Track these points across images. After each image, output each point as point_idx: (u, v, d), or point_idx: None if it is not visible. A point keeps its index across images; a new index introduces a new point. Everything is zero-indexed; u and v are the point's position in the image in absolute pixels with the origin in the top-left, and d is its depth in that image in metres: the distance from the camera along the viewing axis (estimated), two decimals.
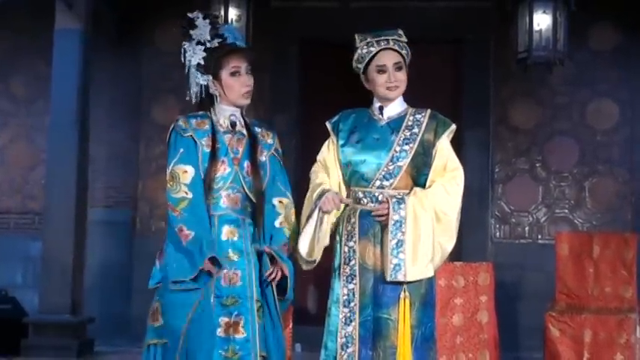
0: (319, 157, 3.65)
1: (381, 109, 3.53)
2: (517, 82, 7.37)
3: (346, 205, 3.51)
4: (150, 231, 7.43)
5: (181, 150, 3.40)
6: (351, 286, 3.40)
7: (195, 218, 3.30)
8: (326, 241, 3.49)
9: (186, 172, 3.36)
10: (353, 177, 3.50)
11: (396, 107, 3.53)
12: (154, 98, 7.72)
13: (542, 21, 6.73)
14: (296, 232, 3.49)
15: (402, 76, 3.50)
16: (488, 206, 7.28)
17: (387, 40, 3.51)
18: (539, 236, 7.36)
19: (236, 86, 3.49)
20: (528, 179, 7.43)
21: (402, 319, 3.32)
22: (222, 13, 6.93)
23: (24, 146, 7.71)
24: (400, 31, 3.55)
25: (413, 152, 3.43)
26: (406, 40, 3.53)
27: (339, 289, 3.42)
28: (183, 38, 3.56)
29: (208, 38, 3.50)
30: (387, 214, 3.34)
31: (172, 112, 7.58)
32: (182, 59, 3.56)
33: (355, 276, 3.39)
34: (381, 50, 3.49)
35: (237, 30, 3.66)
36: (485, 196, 7.28)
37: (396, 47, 3.50)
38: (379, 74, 3.49)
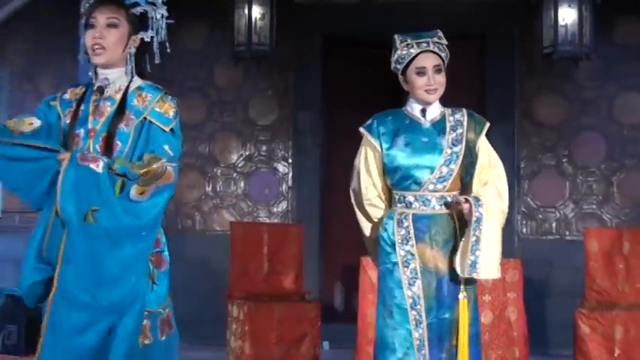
0: (361, 166, 3.56)
1: (423, 111, 3.49)
2: (542, 76, 7.33)
3: (390, 208, 3.49)
4: (177, 229, 7.46)
5: (35, 110, 3.00)
6: (414, 288, 3.36)
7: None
8: None
9: (32, 124, 2.94)
10: (403, 181, 3.45)
11: (435, 109, 3.50)
12: (179, 97, 7.71)
13: (567, 15, 6.69)
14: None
15: (441, 79, 3.46)
16: (515, 202, 7.24)
17: (428, 42, 3.47)
18: (567, 232, 7.32)
19: (87, 40, 2.94)
20: (555, 175, 7.38)
21: (463, 318, 3.33)
22: (247, 11, 6.95)
23: None
24: (440, 33, 3.51)
25: (462, 154, 3.41)
26: (446, 43, 3.50)
27: (403, 291, 3.37)
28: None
29: None
30: (470, 211, 3.33)
31: (198, 110, 7.64)
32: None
33: (417, 279, 3.37)
34: (421, 52, 3.45)
35: None
36: (511, 192, 7.19)
37: (436, 49, 3.46)
38: (418, 76, 3.44)
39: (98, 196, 2.76)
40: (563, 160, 7.41)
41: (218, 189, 7.68)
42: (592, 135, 7.35)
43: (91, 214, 2.75)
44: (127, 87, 2.97)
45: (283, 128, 7.68)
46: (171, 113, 2.93)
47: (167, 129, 2.91)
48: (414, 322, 3.34)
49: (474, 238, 3.31)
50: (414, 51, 3.45)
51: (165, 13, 3.08)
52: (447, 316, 3.35)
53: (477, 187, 3.45)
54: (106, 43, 2.93)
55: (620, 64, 7.33)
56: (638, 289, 5.67)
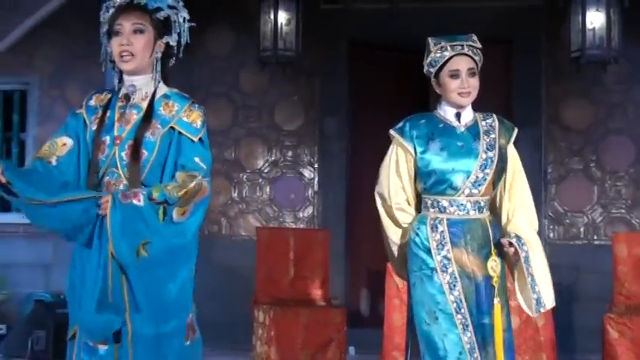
0: (391, 169, 3.50)
1: (458, 115, 3.47)
2: (569, 80, 7.28)
3: (419, 213, 3.47)
4: (203, 234, 7.47)
5: (62, 126, 3.02)
6: (455, 292, 3.34)
7: (33, 171, 2.90)
8: None
9: (65, 145, 2.97)
10: (437, 186, 3.42)
11: (469, 113, 3.49)
12: (204, 102, 7.76)
13: (595, 19, 6.64)
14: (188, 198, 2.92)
15: (474, 82, 3.43)
16: (542, 207, 7.20)
17: (462, 45, 3.44)
18: (595, 237, 7.26)
19: (114, 46, 2.94)
20: (583, 179, 7.33)
21: (497, 324, 3.33)
22: (273, 16, 6.97)
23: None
24: (474, 37, 3.49)
25: (496, 158, 3.40)
26: (480, 46, 3.47)
27: (445, 296, 3.34)
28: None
29: (119, 1, 3.01)
30: (516, 253, 3.37)
31: (224, 116, 7.67)
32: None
33: (457, 283, 3.35)
34: (455, 55, 3.43)
35: None
36: (538, 197, 7.19)
37: (470, 53, 3.44)
38: (452, 79, 3.42)
39: (146, 229, 2.80)
40: (591, 165, 7.35)
41: (244, 194, 7.70)
42: (620, 139, 7.29)
43: (142, 248, 2.80)
44: (154, 94, 2.97)
45: (309, 133, 7.69)
46: (199, 122, 2.95)
47: (195, 139, 2.93)
48: (461, 327, 3.31)
49: (529, 278, 3.35)
50: (447, 54, 3.43)
51: (187, 16, 3.09)
52: (485, 321, 3.34)
53: (505, 194, 3.45)
54: (134, 49, 2.94)
55: None
56: None
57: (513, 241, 3.36)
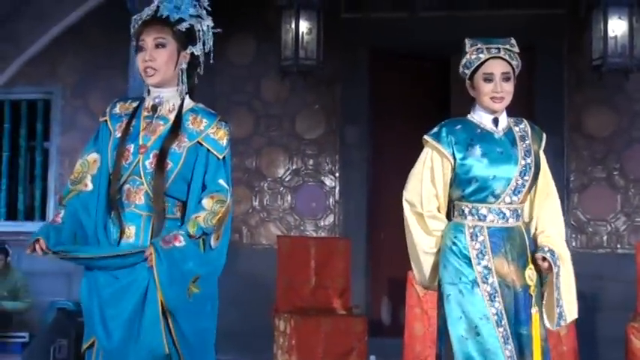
0: (424, 176, 3.39)
1: (495, 120, 3.38)
2: (591, 89, 7.24)
3: (453, 221, 3.38)
4: None
5: (93, 137, 3.07)
6: (496, 304, 3.25)
7: (74, 212, 2.95)
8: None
9: (96, 162, 3.01)
10: (478, 193, 3.33)
11: (504, 118, 3.40)
12: (226, 111, 7.81)
13: (617, 27, 6.61)
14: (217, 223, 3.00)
15: (508, 88, 3.34)
16: (564, 216, 7.12)
17: (498, 48, 3.35)
18: (619, 245, 7.20)
19: (138, 62, 2.98)
20: (605, 188, 7.28)
21: (535, 333, 3.25)
22: (294, 25, 6.98)
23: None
24: (513, 41, 3.39)
25: (534, 164, 3.33)
26: (517, 51, 3.38)
27: (486, 308, 3.25)
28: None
29: (149, 14, 3.03)
30: (550, 268, 3.30)
31: (245, 124, 7.69)
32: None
33: (497, 294, 3.26)
34: (490, 58, 3.34)
35: (186, 3, 3.05)
36: (561, 206, 7.14)
37: (507, 57, 3.34)
38: (485, 83, 3.33)
39: (193, 266, 2.85)
40: (614, 173, 7.30)
41: (265, 203, 7.71)
42: None
43: (193, 286, 2.85)
44: (181, 106, 3.01)
45: (330, 142, 7.69)
46: (225, 141, 2.99)
47: (220, 156, 2.97)
48: (502, 340, 3.22)
49: (556, 292, 3.29)
50: (483, 56, 3.34)
51: (211, 24, 3.10)
52: (523, 331, 3.25)
53: (535, 201, 3.39)
54: (157, 64, 2.97)
55: None
56: None
57: (547, 256, 3.28)
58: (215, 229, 2.90)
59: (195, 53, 3.05)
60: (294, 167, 7.72)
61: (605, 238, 7.23)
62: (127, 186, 2.94)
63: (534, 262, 3.31)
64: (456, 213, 3.37)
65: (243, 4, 7.64)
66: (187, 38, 3.03)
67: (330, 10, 7.22)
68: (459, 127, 3.38)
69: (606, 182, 7.29)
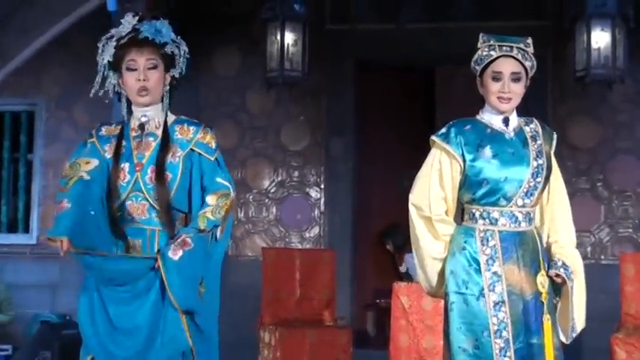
0: (432, 178, 3.27)
1: (506, 120, 3.25)
2: (575, 100, 7.28)
3: (462, 224, 3.27)
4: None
5: (81, 146, 3.22)
6: (500, 314, 3.13)
7: (80, 195, 3.02)
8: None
9: (89, 163, 3.12)
10: (489, 196, 3.19)
11: (515, 118, 3.28)
12: (211, 123, 7.77)
13: (600, 39, 6.65)
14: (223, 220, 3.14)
15: (517, 89, 3.21)
16: None
17: (511, 47, 3.23)
18: (602, 257, 7.22)
19: (130, 82, 3.12)
20: (589, 199, 7.31)
21: (548, 342, 3.14)
22: (279, 37, 6.99)
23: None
24: (529, 40, 3.29)
25: (546, 165, 3.22)
26: (532, 51, 3.27)
27: (488, 319, 3.13)
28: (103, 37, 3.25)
29: (123, 34, 3.17)
30: (564, 283, 3.22)
31: (230, 136, 7.68)
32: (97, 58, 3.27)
33: (504, 303, 3.13)
34: (501, 56, 3.22)
35: (167, 27, 3.20)
36: None
37: (519, 56, 3.22)
38: (494, 82, 3.21)
39: (201, 267, 2.98)
40: (598, 184, 7.33)
41: (250, 214, 7.70)
42: (627, 158, 7.28)
43: (201, 287, 2.98)
44: (165, 121, 3.16)
45: (315, 154, 7.69)
46: (214, 144, 3.15)
47: (212, 158, 3.13)
48: (498, 351, 3.10)
49: (571, 306, 3.20)
50: (494, 53, 3.22)
51: (186, 49, 3.26)
52: (534, 341, 3.13)
53: (547, 206, 3.29)
54: (150, 84, 3.11)
55: None
56: None
57: (561, 272, 3.18)
58: (222, 221, 3.02)
59: (175, 76, 3.22)
60: (279, 179, 7.72)
61: (589, 249, 7.25)
62: (129, 202, 3.08)
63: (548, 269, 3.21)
64: (466, 217, 3.26)
65: (229, 16, 7.64)
66: (170, 62, 3.20)
67: (315, 22, 7.23)
68: (468, 127, 3.26)
69: (590, 193, 7.32)
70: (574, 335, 3.25)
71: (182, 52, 3.23)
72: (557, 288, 3.24)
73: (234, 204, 3.12)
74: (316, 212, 7.63)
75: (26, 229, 8.02)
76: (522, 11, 7.36)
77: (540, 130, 3.28)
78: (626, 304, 5.71)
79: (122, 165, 3.08)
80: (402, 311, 5.38)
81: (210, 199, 3.05)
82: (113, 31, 3.21)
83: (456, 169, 3.23)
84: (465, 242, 3.20)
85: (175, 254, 2.92)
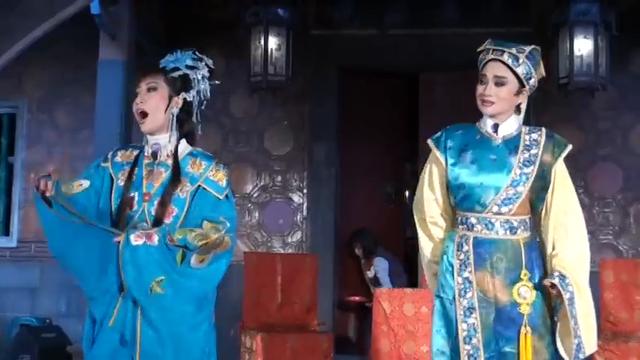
0: (425, 181, 3.30)
1: (495, 127, 3.23)
2: (558, 107, 7.31)
3: (452, 229, 3.25)
4: None
5: (86, 173, 3.18)
6: (470, 320, 3.10)
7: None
8: None
9: (81, 185, 3.11)
10: (465, 201, 3.18)
11: (510, 125, 3.24)
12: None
13: (583, 46, 6.69)
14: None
15: (499, 92, 3.19)
16: None
17: (503, 51, 3.21)
18: None
19: (133, 108, 3.12)
20: None
21: (524, 355, 3.07)
22: (263, 42, 6.98)
23: (68, 176, 7.79)
24: (525, 47, 3.25)
25: (534, 175, 3.16)
26: (526, 56, 3.23)
27: (457, 324, 3.11)
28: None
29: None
30: (559, 295, 3.09)
31: (213, 140, 7.66)
32: None
33: (475, 309, 3.10)
34: (491, 60, 3.22)
35: (188, 55, 3.21)
36: None
37: (509, 61, 3.20)
38: (479, 84, 3.22)
39: (159, 268, 2.89)
40: (579, 191, 7.36)
41: None
42: (608, 165, 7.32)
43: (157, 286, 2.89)
44: (176, 151, 3.07)
45: (298, 159, 7.69)
46: (224, 182, 3.06)
47: (221, 197, 3.03)
48: (466, 358, 3.07)
49: (572, 321, 3.07)
50: (487, 57, 3.24)
51: (207, 74, 3.22)
52: (508, 349, 3.08)
53: (549, 218, 3.19)
54: (147, 106, 3.06)
55: (636, 94, 7.31)
56: None
57: (556, 281, 3.07)
58: (200, 251, 2.91)
59: (188, 99, 3.12)
60: (262, 183, 7.71)
61: None
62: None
63: (540, 278, 3.12)
64: (454, 222, 3.26)
65: (213, 21, 7.64)
66: (181, 85, 3.13)
67: (299, 27, 7.23)
68: (460, 131, 3.29)
69: None
70: (580, 356, 3.11)
71: (200, 77, 3.19)
72: (555, 307, 3.16)
73: (225, 244, 2.97)
74: (299, 217, 7.62)
75: (6, 232, 7.97)
76: (505, 18, 7.39)
77: (543, 140, 3.22)
78: (605, 311, 5.73)
79: (132, 194, 3.04)
80: (384, 317, 5.38)
81: (205, 224, 2.96)
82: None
83: (441, 172, 3.26)
84: (447, 247, 3.22)
85: (136, 241, 2.89)
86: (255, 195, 7.70)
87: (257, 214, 7.66)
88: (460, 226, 3.21)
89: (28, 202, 7.81)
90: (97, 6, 6.18)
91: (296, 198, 7.65)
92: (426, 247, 3.32)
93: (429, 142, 3.32)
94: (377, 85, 8.01)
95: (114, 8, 6.44)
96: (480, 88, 3.22)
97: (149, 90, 3.08)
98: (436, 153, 3.27)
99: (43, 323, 7.07)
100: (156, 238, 2.90)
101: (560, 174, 3.23)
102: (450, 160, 3.22)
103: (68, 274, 3.13)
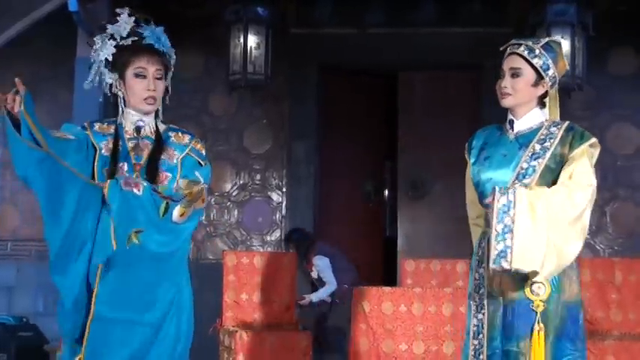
0: (467, 183, 3.39)
1: (511, 122, 3.25)
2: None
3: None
4: None
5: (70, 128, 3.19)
6: (480, 316, 3.14)
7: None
8: None
9: (64, 135, 3.13)
10: (482, 197, 3.22)
11: (528, 120, 3.24)
12: (173, 125, 7.74)
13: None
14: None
15: (517, 84, 3.18)
16: None
17: (520, 44, 3.22)
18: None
19: (137, 88, 3.16)
20: None
21: (536, 354, 3.03)
22: (242, 40, 6.98)
23: None
24: (553, 40, 3.26)
25: (542, 168, 3.14)
26: (543, 48, 3.19)
27: (470, 318, 3.18)
28: (98, 31, 3.24)
29: (123, 35, 3.20)
30: (492, 200, 3.04)
31: None
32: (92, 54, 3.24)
33: (484, 305, 3.13)
34: (508, 55, 3.24)
35: (164, 35, 3.28)
36: None
37: (524, 53, 3.19)
38: (500, 79, 3.24)
39: (141, 218, 2.96)
40: None
41: (212, 217, 7.67)
42: None
43: (134, 236, 2.95)
44: (157, 127, 3.21)
45: (277, 157, 7.69)
46: (204, 152, 3.24)
47: (203, 163, 3.20)
48: (472, 352, 3.12)
49: (500, 226, 2.98)
50: (506, 53, 3.26)
51: (175, 58, 3.32)
52: (512, 348, 3.05)
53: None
54: (157, 94, 3.19)
55: (613, 94, 7.38)
56: (631, 319, 5.66)
57: (497, 189, 3.04)
58: (183, 203, 3.02)
59: (168, 86, 3.28)
60: (241, 182, 7.70)
61: None
62: None
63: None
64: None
65: (192, 19, 7.62)
66: (168, 68, 3.28)
67: (278, 26, 7.24)
68: (486, 131, 3.34)
69: None
70: (505, 265, 2.97)
71: (173, 62, 3.32)
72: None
73: (203, 198, 3.10)
74: (278, 215, 7.62)
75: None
76: (484, 18, 7.43)
77: (561, 133, 3.18)
78: (582, 309, 5.76)
79: (120, 164, 3.10)
80: (363, 315, 5.39)
81: (182, 182, 3.10)
82: (110, 28, 3.20)
83: (469, 173, 3.33)
84: (475, 244, 3.30)
85: (125, 186, 2.97)
86: (234, 193, 7.69)
87: (236, 213, 7.65)
88: (483, 224, 3.26)
89: (4, 200, 7.76)
90: (75, 3, 6.15)
91: (275, 196, 7.65)
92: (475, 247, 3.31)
93: (467, 144, 3.37)
94: (356, 84, 8.02)
95: (91, 5, 6.41)
96: (498, 82, 3.24)
97: (157, 78, 3.18)
98: (466, 155, 3.34)
99: (19, 322, 7.03)
100: (142, 188, 2.98)
101: (578, 162, 3.13)
102: (471, 160, 3.30)
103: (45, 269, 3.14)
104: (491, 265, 3.00)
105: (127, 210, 2.94)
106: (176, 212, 3.01)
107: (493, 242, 2.99)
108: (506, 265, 2.96)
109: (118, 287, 2.98)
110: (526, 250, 2.97)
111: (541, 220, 3.00)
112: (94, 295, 2.97)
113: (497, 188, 3.06)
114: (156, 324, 3.05)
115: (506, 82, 3.20)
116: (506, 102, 3.22)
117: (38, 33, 6.93)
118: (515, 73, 3.20)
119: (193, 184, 3.09)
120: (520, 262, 2.97)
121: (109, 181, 2.99)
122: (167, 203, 2.99)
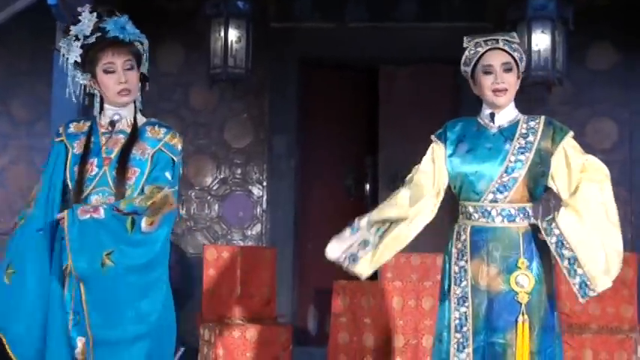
0: (424, 160, 3.35)
1: (492, 116, 3.25)
2: (515, 101, 7.37)
3: (456, 221, 3.28)
4: None
5: (49, 160, 3.23)
6: (462, 309, 3.14)
7: (19, 242, 3.12)
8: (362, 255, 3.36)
9: (39, 184, 3.20)
10: (463, 190, 3.23)
11: (508, 114, 3.26)
12: (153, 118, 7.72)
13: (540, 41, 6.76)
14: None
15: (510, 79, 3.22)
16: None
17: (497, 39, 3.23)
18: None
19: (109, 84, 3.16)
20: None
21: (521, 345, 3.07)
22: (223, 34, 6.96)
23: (24, 168, 7.72)
24: (513, 34, 3.29)
25: (529, 162, 3.17)
26: (517, 41, 3.28)
27: (450, 312, 3.16)
28: (63, 35, 3.26)
29: (87, 33, 3.19)
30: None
31: None
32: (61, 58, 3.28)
33: (467, 298, 3.14)
34: (488, 50, 3.22)
35: (129, 23, 3.23)
36: None
37: (506, 48, 3.22)
38: (485, 75, 3.21)
39: (109, 240, 2.95)
40: None
41: (192, 212, 7.65)
42: None
43: (107, 258, 2.94)
44: (135, 120, 3.20)
45: (258, 151, 7.68)
46: (179, 147, 3.21)
47: (176, 159, 3.17)
48: (455, 346, 3.11)
49: (565, 262, 3.06)
50: (481, 49, 3.23)
51: (147, 44, 3.30)
52: (498, 339, 3.09)
53: (573, 182, 3.21)
54: (130, 85, 3.17)
55: (592, 89, 7.41)
56: (608, 313, 5.71)
57: (542, 226, 3.09)
58: (148, 213, 2.99)
59: (145, 73, 3.28)
60: (221, 176, 7.68)
61: None
62: (94, 197, 3.09)
63: (539, 262, 3.13)
64: (457, 213, 3.31)
65: (173, 12, 7.59)
66: (138, 59, 3.24)
67: (259, 20, 7.23)
68: (460, 124, 3.33)
69: None
70: (591, 294, 3.08)
71: (145, 48, 3.28)
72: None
73: (170, 202, 3.07)
74: (258, 210, 7.62)
75: None
76: (464, 13, 7.44)
77: (541, 127, 3.22)
78: (561, 302, 5.78)
79: (91, 160, 3.12)
80: (343, 309, 5.40)
81: (147, 189, 3.08)
82: (74, 29, 3.21)
83: (441, 157, 3.29)
84: (450, 238, 3.27)
85: (83, 215, 2.97)
86: (214, 187, 7.67)
87: (217, 207, 7.64)
88: (460, 216, 3.26)
89: None
90: None
91: (256, 191, 7.64)
92: (381, 206, 3.37)
93: (433, 137, 3.35)
94: (337, 78, 8.02)
95: None
96: (489, 79, 3.21)
97: (128, 69, 3.16)
98: (435, 143, 3.32)
99: None
100: (102, 211, 2.98)
101: (570, 156, 3.22)
102: (448, 152, 3.27)
103: None
104: (582, 300, 3.09)
105: (91, 236, 2.95)
106: (144, 223, 3.00)
107: (570, 279, 3.06)
108: (593, 294, 3.09)
109: (109, 308, 2.98)
110: (598, 271, 3.07)
111: (593, 231, 3.12)
112: (86, 320, 2.97)
113: (540, 227, 3.10)
114: (153, 331, 3.07)
115: (502, 78, 3.20)
116: (502, 100, 3.23)
117: (17, 27, 6.87)
118: (508, 68, 3.21)
119: (158, 190, 3.06)
120: (602, 284, 3.09)
121: (65, 212, 3.00)
122: (132, 218, 2.98)
